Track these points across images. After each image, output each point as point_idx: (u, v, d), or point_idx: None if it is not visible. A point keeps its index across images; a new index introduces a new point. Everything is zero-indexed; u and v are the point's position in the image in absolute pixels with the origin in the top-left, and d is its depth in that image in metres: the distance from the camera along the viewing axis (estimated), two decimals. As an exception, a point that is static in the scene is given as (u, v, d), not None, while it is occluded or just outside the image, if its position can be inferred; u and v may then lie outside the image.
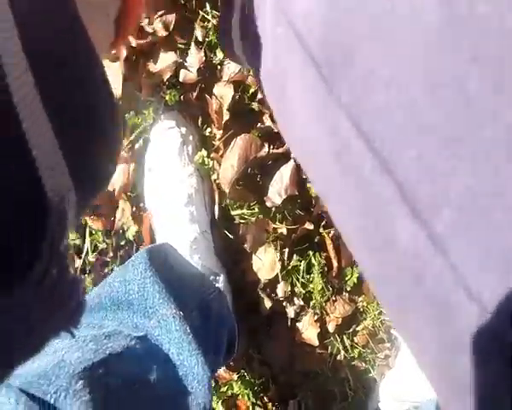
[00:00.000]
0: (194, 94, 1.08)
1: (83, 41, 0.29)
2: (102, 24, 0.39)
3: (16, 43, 0.24)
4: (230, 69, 1.06)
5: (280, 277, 1.13)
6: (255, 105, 1.08)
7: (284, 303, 1.15)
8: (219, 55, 1.07)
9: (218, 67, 1.09)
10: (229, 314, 1.07)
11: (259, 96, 1.07)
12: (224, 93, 1.07)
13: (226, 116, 1.07)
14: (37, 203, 0.25)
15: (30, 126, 0.24)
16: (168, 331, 0.85)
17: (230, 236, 1.11)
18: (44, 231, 0.26)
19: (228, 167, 1.07)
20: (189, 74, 1.07)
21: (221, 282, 1.06)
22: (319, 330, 1.14)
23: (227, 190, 1.06)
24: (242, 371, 1.21)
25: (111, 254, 1.20)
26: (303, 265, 1.13)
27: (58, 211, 0.26)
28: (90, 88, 0.30)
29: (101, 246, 1.19)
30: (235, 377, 1.21)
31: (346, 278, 1.16)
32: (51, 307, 0.28)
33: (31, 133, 0.24)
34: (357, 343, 1.21)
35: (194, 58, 1.07)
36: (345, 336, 1.19)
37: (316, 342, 1.15)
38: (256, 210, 1.10)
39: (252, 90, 1.08)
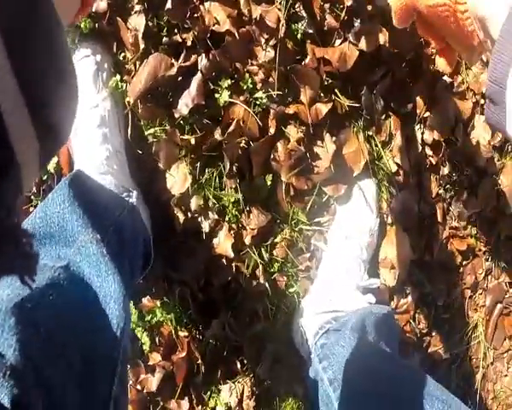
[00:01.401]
0: (105, 20, 1.07)
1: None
2: None
3: None
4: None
5: (191, 190, 1.11)
6: (163, 23, 1.07)
7: (199, 218, 1.13)
8: None
9: None
10: (144, 227, 1.08)
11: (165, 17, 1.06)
12: (137, 22, 1.08)
13: (142, 44, 1.08)
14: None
15: None
16: (87, 256, 0.87)
17: (142, 154, 1.09)
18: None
19: (137, 82, 1.07)
20: (100, 3, 1.07)
21: (134, 197, 1.08)
22: (233, 241, 1.13)
23: (132, 101, 1.05)
24: (164, 297, 1.18)
25: (34, 190, 1.17)
26: (215, 176, 1.11)
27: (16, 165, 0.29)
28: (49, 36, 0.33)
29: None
30: (158, 303, 1.18)
31: (260, 188, 1.15)
32: None
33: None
34: (276, 256, 1.20)
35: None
36: (263, 249, 1.18)
37: (231, 254, 1.13)
38: (167, 127, 1.08)
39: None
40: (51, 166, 1.12)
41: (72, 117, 0.36)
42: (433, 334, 1.46)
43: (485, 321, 1.53)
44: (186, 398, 1.24)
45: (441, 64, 0.81)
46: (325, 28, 1.14)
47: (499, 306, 1.54)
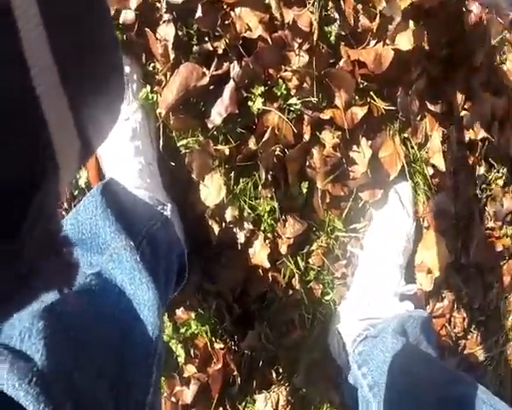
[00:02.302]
0: (134, 32, 1.03)
1: None
2: None
3: None
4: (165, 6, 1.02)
5: (226, 201, 1.07)
6: (193, 32, 1.04)
7: (234, 229, 1.10)
8: None
9: (156, 4, 1.04)
10: (178, 240, 1.05)
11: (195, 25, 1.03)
12: (166, 32, 1.04)
13: (172, 54, 1.04)
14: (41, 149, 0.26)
15: (37, 74, 0.25)
16: (120, 263, 0.84)
17: (176, 166, 1.06)
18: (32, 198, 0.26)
19: (168, 93, 1.04)
20: (128, 15, 1.03)
21: (168, 210, 1.04)
22: (269, 251, 1.09)
23: (164, 113, 1.01)
24: (199, 309, 1.15)
25: (66, 206, 1.13)
26: (250, 186, 1.08)
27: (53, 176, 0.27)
28: (97, 33, 0.29)
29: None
30: (193, 315, 1.15)
31: (296, 196, 1.11)
32: (39, 259, 0.29)
33: (37, 81, 0.25)
34: (312, 264, 1.17)
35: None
36: (299, 258, 1.15)
37: (267, 264, 1.10)
38: (200, 137, 1.05)
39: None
40: (82, 182, 1.09)
41: (116, 114, 0.33)
42: (469, 337, 1.43)
43: (522, 321, 1.50)
44: (221, 409, 1.21)
45: None
46: (359, 30, 1.10)
47: (535, 304, 1.50)
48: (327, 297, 1.20)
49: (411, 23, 1.14)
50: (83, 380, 0.66)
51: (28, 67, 0.25)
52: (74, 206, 1.08)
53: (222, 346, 1.16)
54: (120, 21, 1.02)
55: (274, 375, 1.23)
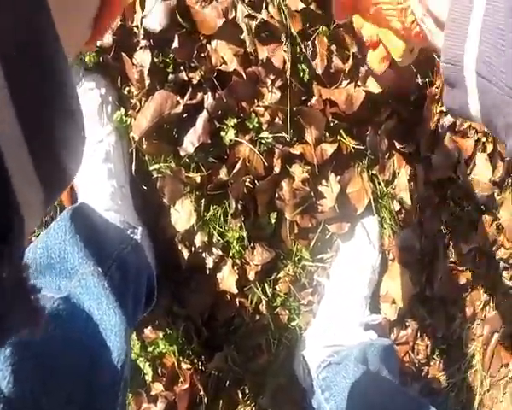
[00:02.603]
0: (110, 55, 1.00)
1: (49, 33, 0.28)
2: (80, 22, 0.38)
3: None
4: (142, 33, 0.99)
5: (196, 227, 1.05)
6: (169, 60, 1.01)
7: (203, 254, 1.07)
8: (137, 17, 0.99)
9: (134, 29, 1.01)
10: (148, 264, 1.01)
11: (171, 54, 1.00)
12: (143, 58, 1.01)
13: (147, 80, 1.01)
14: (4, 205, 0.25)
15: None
16: (88, 288, 0.81)
17: (147, 190, 1.03)
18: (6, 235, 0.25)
19: (142, 118, 1.00)
20: (106, 38, 1.00)
21: (139, 234, 1.00)
22: (237, 277, 1.07)
23: (137, 138, 0.98)
24: (167, 329, 1.12)
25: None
26: (220, 213, 1.05)
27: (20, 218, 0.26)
28: (56, 79, 0.28)
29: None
30: (161, 334, 1.12)
31: (264, 226, 1.09)
32: (8, 308, 0.28)
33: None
34: (279, 291, 1.14)
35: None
36: (266, 284, 1.12)
37: (235, 290, 1.07)
38: (172, 163, 1.02)
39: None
40: (55, 200, 1.06)
41: (79, 159, 0.32)
42: (432, 364, 1.40)
43: (483, 350, 1.47)
44: (188, 427, 1.18)
45: (373, 60, 0.74)
46: (331, 70, 1.08)
47: (496, 335, 1.48)
48: (293, 323, 1.17)
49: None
50: (51, 406, 0.64)
51: None
52: (45, 222, 1.05)
53: (189, 366, 1.13)
54: (97, 44, 0.98)
55: (240, 395, 1.19)
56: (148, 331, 1.11)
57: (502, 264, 1.41)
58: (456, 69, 0.47)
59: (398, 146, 1.18)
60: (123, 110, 1.01)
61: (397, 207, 1.20)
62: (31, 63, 0.27)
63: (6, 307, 0.27)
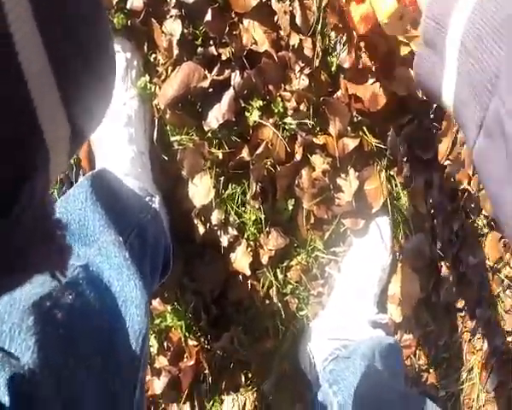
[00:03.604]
0: (139, 19, 0.83)
1: None
2: None
3: None
4: (174, 1, 0.82)
5: (214, 204, 0.86)
6: (199, 33, 0.84)
7: (218, 232, 0.88)
8: None
9: None
10: (165, 234, 0.83)
11: (202, 27, 0.83)
12: (173, 28, 0.83)
13: (176, 50, 0.83)
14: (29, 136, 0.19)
15: (23, 47, 0.18)
16: (108, 258, 0.65)
17: (167, 160, 0.85)
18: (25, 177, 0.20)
19: (168, 88, 0.83)
20: (136, 1, 0.83)
21: (157, 203, 0.82)
22: (251, 259, 0.87)
23: (162, 107, 0.81)
24: (175, 303, 0.93)
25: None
26: (238, 193, 0.87)
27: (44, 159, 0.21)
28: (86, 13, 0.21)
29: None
30: (169, 308, 0.93)
31: (281, 211, 0.90)
32: (31, 241, 0.21)
33: (23, 56, 0.18)
34: (290, 279, 0.94)
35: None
36: (278, 270, 0.92)
37: (248, 272, 0.88)
38: (194, 136, 0.85)
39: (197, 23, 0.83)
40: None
41: (107, 99, 0.24)
42: (432, 371, 1.17)
43: (481, 365, 1.24)
44: (188, 403, 0.98)
45: (355, 15, 0.55)
46: (359, 66, 0.90)
47: (495, 352, 1.25)
48: (301, 312, 0.97)
49: (409, 70, 0.94)
50: (73, 378, 0.51)
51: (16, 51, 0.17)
52: (61, 180, 0.88)
53: (195, 343, 0.93)
54: (127, 6, 0.81)
55: (243, 379, 0.99)
56: (156, 303, 0.92)
57: (506, 281, 1.19)
58: (437, 31, 0.30)
59: (416, 151, 0.99)
60: (148, 77, 0.84)
61: (411, 210, 1.00)
62: None
63: (26, 240, 0.21)
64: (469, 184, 1.06)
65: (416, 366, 1.14)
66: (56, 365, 0.48)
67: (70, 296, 0.56)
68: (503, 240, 1.16)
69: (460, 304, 1.15)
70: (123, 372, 0.57)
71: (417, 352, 1.13)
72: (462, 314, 1.17)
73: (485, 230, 1.12)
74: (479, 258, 1.13)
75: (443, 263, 1.09)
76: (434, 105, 0.99)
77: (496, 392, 1.27)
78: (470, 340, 1.21)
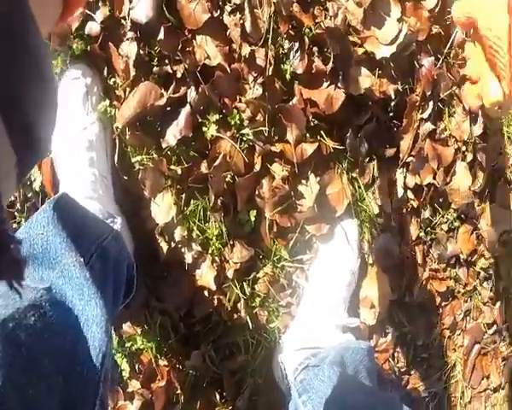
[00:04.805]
0: (97, 44, 0.94)
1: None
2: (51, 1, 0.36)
3: None
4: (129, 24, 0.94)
5: (176, 221, 0.97)
6: (154, 53, 0.95)
7: (182, 249, 1.00)
8: (125, 9, 0.94)
9: (122, 21, 0.95)
10: (128, 254, 0.94)
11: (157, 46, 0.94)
12: (129, 50, 0.94)
13: (133, 72, 0.94)
14: None
15: None
16: (70, 279, 0.76)
17: (128, 181, 0.97)
18: None
19: (126, 108, 0.94)
20: (93, 27, 0.94)
21: (118, 224, 0.93)
22: (216, 273, 0.99)
23: (120, 127, 0.92)
24: (145, 325, 1.03)
25: (18, 207, 1.03)
26: (200, 209, 0.98)
27: None
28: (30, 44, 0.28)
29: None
30: (139, 330, 1.04)
31: (244, 223, 1.01)
32: None
33: None
34: (258, 291, 1.06)
35: (100, 12, 0.94)
36: (245, 284, 1.04)
37: (213, 287, 0.99)
38: (154, 155, 0.96)
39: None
40: (36, 185, 0.98)
41: (51, 128, 0.31)
42: (412, 373, 1.31)
43: (464, 361, 1.38)
44: (164, 427, 1.09)
45: (469, 92, 0.70)
46: (313, 71, 1.03)
47: (477, 346, 1.39)
48: (272, 325, 1.08)
49: (363, 69, 1.07)
50: (36, 396, 0.58)
51: None
52: (27, 207, 0.98)
53: (166, 363, 1.04)
54: (86, 32, 0.92)
55: (218, 397, 1.10)
56: (126, 327, 1.03)
57: (482, 274, 1.34)
58: None
59: (377, 150, 1.12)
60: (107, 101, 0.94)
61: (376, 210, 1.13)
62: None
63: None
64: (434, 178, 1.19)
65: (395, 369, 1.26)
66: (20, 383, 0.56)
67: (32, 318, 0.65)
68: (475, 232, 1.30)
69: (436, 301, 1.29)
70: (83, 390, 0.66)
71: (395, 355, 1.25)
72: (439, 312, 1.31)
73: (456, 223, 1.26)
74: (452, 253, 1.27)
75: (414, 261, 1.22)
76: (393, 102, 1.12)
77: (481, 387, 1.42)
78: (450, 337, 1.35)
